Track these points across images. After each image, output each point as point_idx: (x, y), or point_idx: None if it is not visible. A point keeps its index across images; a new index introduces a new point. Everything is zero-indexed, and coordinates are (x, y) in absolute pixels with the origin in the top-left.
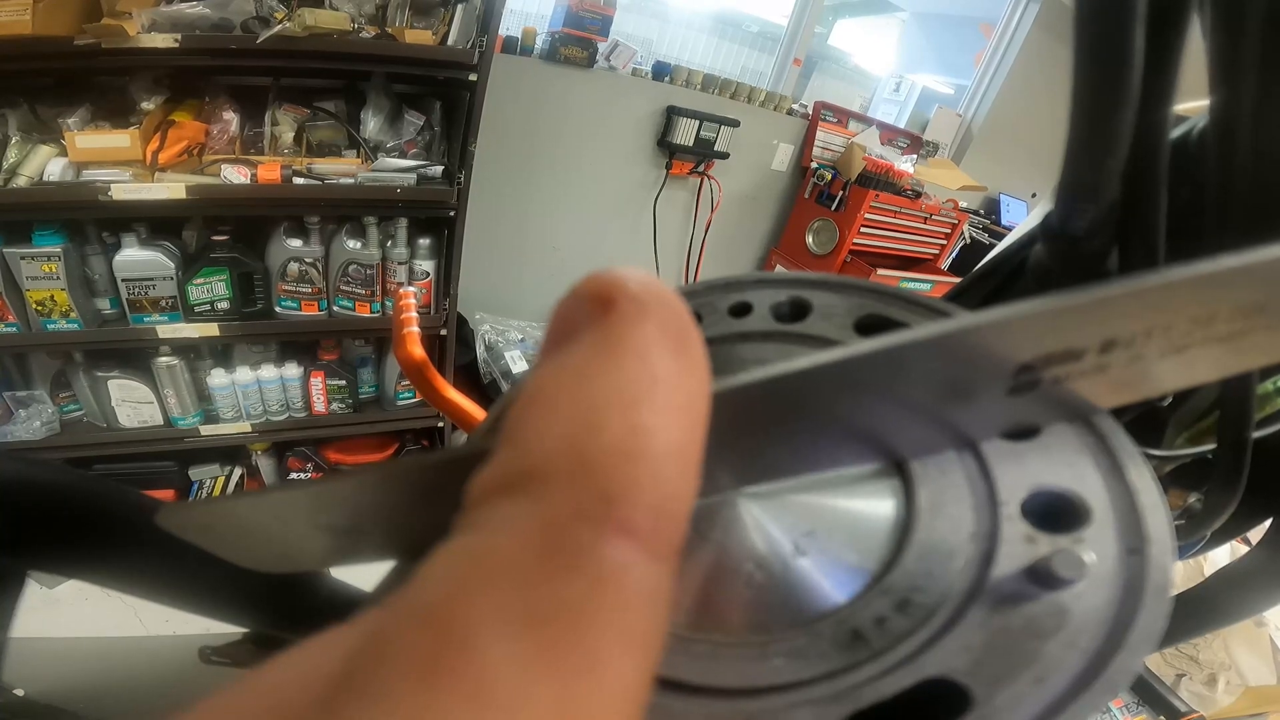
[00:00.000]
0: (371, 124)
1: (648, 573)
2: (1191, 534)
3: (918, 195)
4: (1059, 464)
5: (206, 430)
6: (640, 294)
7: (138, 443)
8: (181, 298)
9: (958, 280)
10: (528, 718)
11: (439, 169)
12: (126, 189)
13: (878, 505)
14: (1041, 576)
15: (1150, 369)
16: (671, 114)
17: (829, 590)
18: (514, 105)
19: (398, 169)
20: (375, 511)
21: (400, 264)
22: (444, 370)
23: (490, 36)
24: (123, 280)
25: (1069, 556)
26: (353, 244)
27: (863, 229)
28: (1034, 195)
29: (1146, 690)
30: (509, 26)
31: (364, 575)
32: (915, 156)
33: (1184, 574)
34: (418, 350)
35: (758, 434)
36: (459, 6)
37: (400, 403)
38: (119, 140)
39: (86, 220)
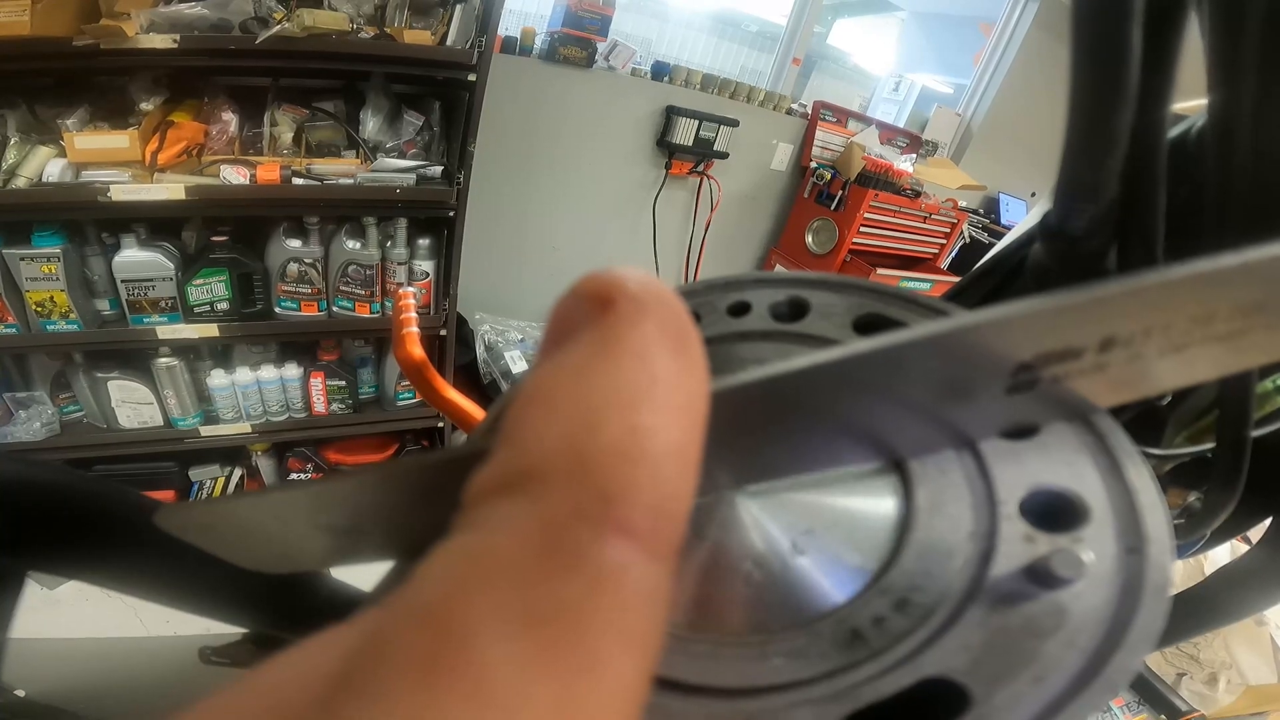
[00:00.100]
0: (371, 124)
1: (646, 572)
2: (1191, 533)
3: (917, 195)
4: (1058, 463)
5: (206, 431)
6: (639, 293)
7: (138, 444)
8: (181, 298)
9: (957, 279)
10: (527, 717)
11: (438, 169)
12: (126, 190)
13: (876, 504)
14: (1040, 576)
15: (1149, 368)
16: (671, 114)
17: (828, 589)
18: (513, 105)
19: (397, 169)
20: (375, 511)
21: (400, 264)
22: (444, 370)
23: (489, 36)
24: (122, 281)
25: (1068, 556)
26: (352, 244)
27: (862, 228)
28: (1033, 194)
29: (1147, 689)
30: (508, 26)
31: (364, 575)
32: (914, 156)
33: (1184, 573)
34: (417, 350)
35: (756, 433)
36: (458, 6)
37: (400, 403)
38: (118, 141)
39: (86, 221)
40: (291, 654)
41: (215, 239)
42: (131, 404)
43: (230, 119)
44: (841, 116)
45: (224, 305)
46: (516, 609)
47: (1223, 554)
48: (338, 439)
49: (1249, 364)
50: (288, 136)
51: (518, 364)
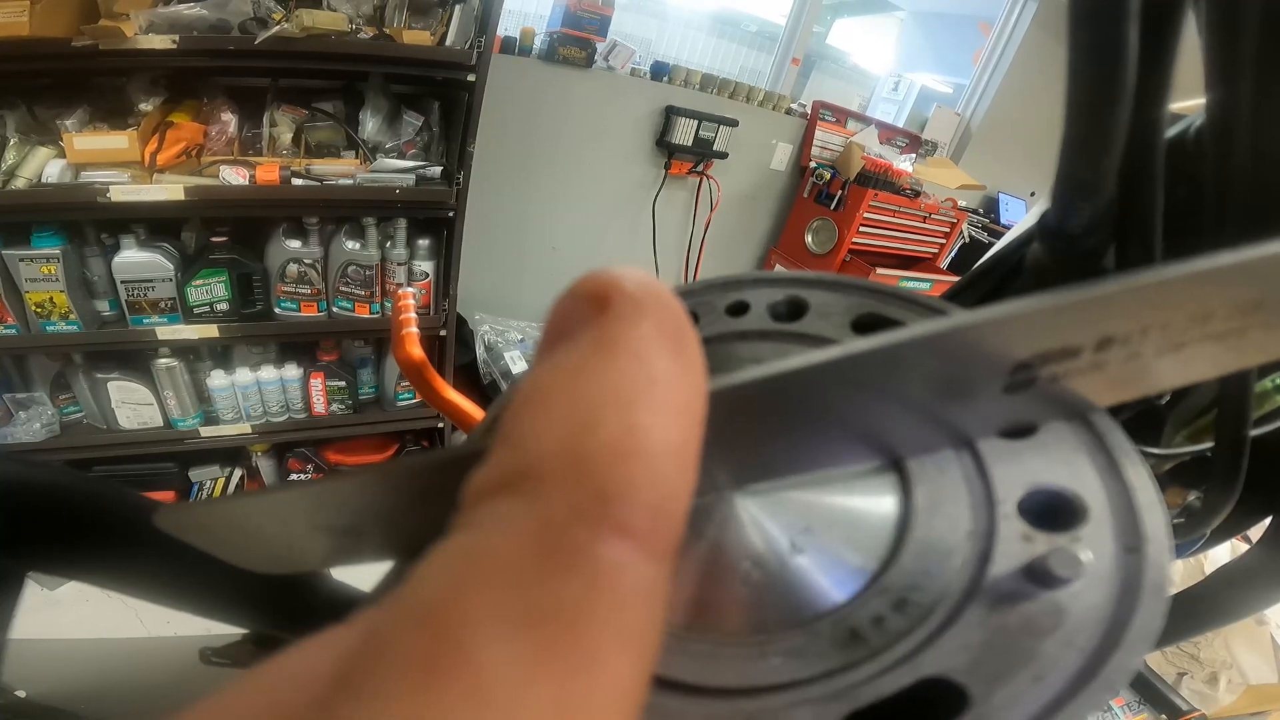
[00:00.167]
0: (370, 125)
1: (644, 572)
2: (1190, 532)
3: (916, 194)
4: (1056, 462)
5: (206, 431)
6: (637, 293)
7: (138, 444)
8: (181, 299)
9: (956, 279)
10: (525, 717)
11: (438, 169)
12: (125, 190)
13: (875, 503)
14: (1039, 575)
15: (1147, 367)
16: (670, 114)
17: (827, 588)
18: (512, 106)
19: (396, 170)
20: (374, 512)
21: (399, 265)
22: (443, 371)
23: (488, 37)
24: (122, 282)
25: (1066, 555)
26: (352, 245)
27: (862, 228)
28: (1033, 194)
29: (1148, 689)
30: (507, 27)
31: (364, 575)
32: (914, 155)
33: (1184, 572)
34: (417, 351)
35: (755, 433)
36: (457, 7)
37: (400, 403)
38: (117, 141)
39: (85, 222)
40: (290, 654)
41: (215, 239)
42: (131, 405)
43: (229, 119)
44: (841, 116)
45: (224, 306)
46: (515, 609)
47: (1223, 553)
48: (338, 439)
49: (1247, 363)
50: (287, 137)
51: (517, 364)
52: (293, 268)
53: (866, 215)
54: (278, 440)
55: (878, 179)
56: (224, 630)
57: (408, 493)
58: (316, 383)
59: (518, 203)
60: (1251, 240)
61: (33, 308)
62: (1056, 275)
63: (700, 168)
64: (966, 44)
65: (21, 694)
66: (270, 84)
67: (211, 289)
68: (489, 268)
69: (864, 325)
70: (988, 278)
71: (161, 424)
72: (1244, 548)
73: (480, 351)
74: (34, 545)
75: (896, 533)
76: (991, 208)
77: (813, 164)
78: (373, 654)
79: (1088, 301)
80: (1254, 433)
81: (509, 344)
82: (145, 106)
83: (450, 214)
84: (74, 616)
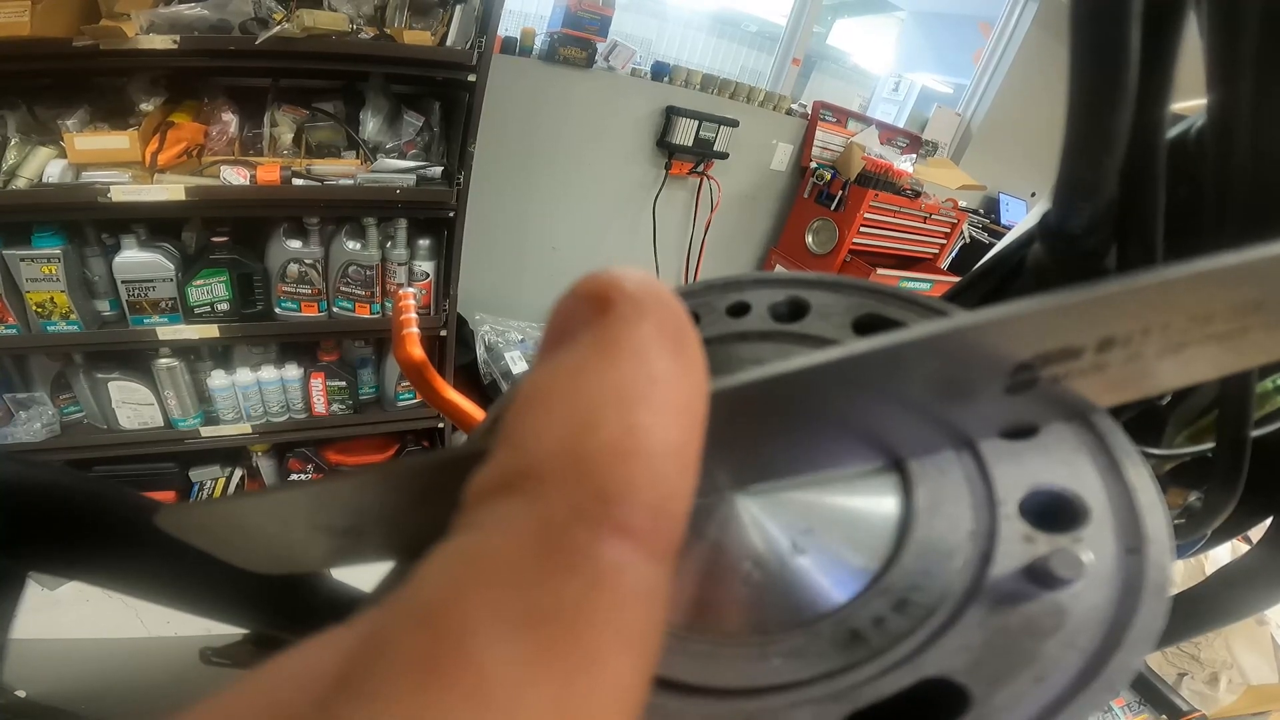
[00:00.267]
0: (370, 125)
1: (645, 572)
2: (1191, 533)
3: (917, 195)
4: (1057, 463)
5: (207, 431)
6: (638, 294)
7: (138, 444)
8: (181, 299)
9: (957, 279)
10: (525, 717)
11: (438, 170)
12: (126, 190)
13: (876, 504)
14: (1040, 576)
15: (1148, 367)
16: (670, 114)
17: (827, 589)
18: (513, 106)
19: (397, 170)
20: (375, 512)
21: (400, 265)
22: (444, 371)
23: (489, 37)
24: (122, 282)
25: (1067, 556)
26: (352, 245)
27: (862, 228)
28: (1033, 194)
29: (1148, 689)
30: (508, 27)
31: (364, 575)
32: (914, 156)
33: (1184, 573)
34: (417, 351)
35: (756, 434)
36: (457, 7)
37: (400, 403)
38: (118, 141)
39: (86, 222)
40: (291, 655)
41: (215, 240)
42: (132, 405)
43: (230, 119)
44: (841, 116)
45: (224, 306)
46: (515, 609)
47: (1223, 554)
48: (338, 439)
49: (1248, 364)
50: (288, 137)
51: (518, 364)
52: (293, 268)
53: (867, 216)
54: (278, 440)
55: (878, 179)
56: (224, 630)
57: (408, 493)
58: (317, 383)
59: (518, 203)
60: (1252, 240)
61: (33, 308)
62: (1057, 276)
63: (701, 168)
64: (967, 44)
65: (21, 694)
66: (271, 84)
67: (212, 289)
68: (489, 268)
69: (865, 326)
70: (988, 278)
71: (162, 424)
72: (1244, 548)
73: (480, 351)
74: (34, 545)
75: (897, 533)
76: (992, 208)
77: (813, 164)
78: (373, 654)
79: (1089, 302)
80: (1255, 433)
81: (509, 344)
82: (146, 106)
83: (451, 214)
84: (74, 616)
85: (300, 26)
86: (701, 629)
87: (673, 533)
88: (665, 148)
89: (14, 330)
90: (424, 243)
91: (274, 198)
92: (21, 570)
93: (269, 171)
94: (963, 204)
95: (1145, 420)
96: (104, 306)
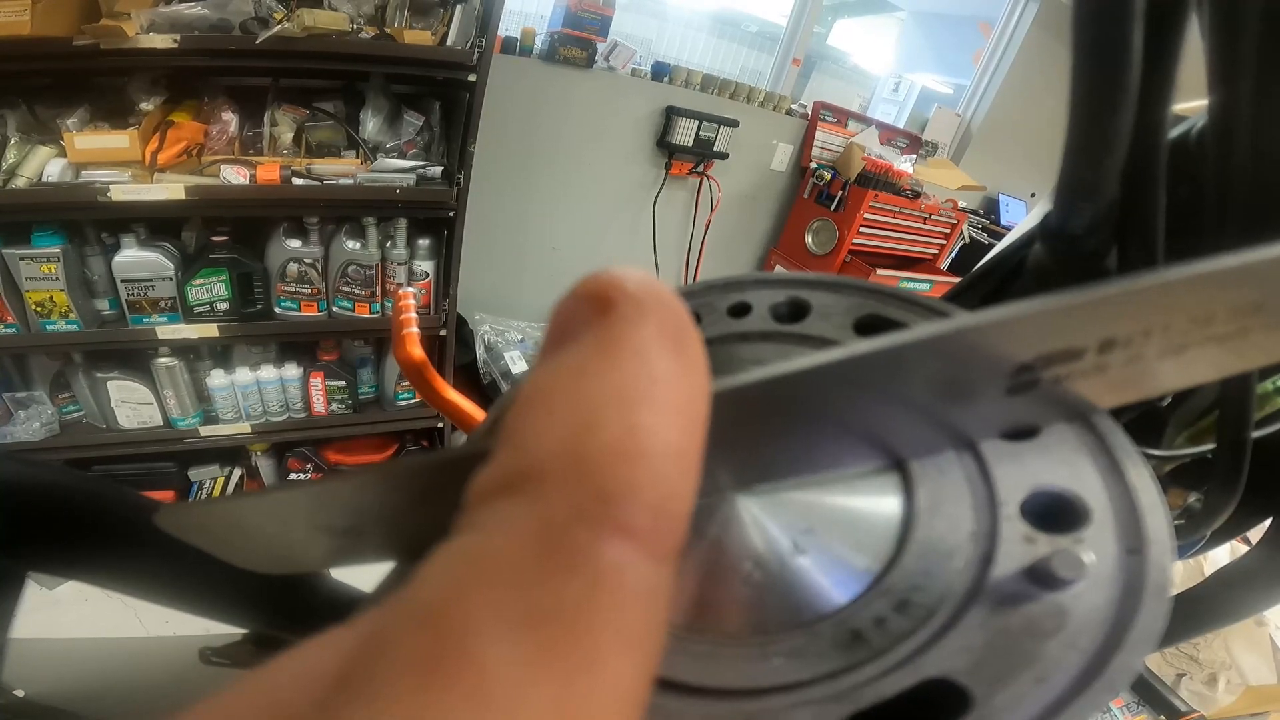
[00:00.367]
0: (370, 124)
1: (646, 572)
2: (1191, 534)
3: (917, 195)
4: (1058, 464)
5: (206, 431)
6: (639, 294)
7: (137, 444)
8: (181, 298)
9: (957, 280)
10: (526, 718)
11: (438, 169)
12: (125, 190)
13: (877, 504)
14: (1041, 577)
15: (1149, 369)
16: (671, 114)
17: (828, 589)
18: (513, 106)
19: (397, 169)
20: (375, 512)
21: (399, 264)
22: (443, 371)
23: (489, 37)
24: (122, 281)
25: (1068, 557)
26: (352, 244)
27: (862, 229)
28: (1033, 195)
29: (1147, 690)
30: (508, 27)
31: (364, 576)
32: (914, 156)
33: (1184, 574)
34: (417, 351)
35: (757, 434)
36: (458, 7)
37: (400, 403)
38: (118, 141)
39: (85, 221)
40: (291, 655)
41: (215, 239)
42: (131, 404)
43: (230, 119)
44: (841, 117)
45: (224, 305)
46: (516, 609)
47: (1223, 555)
48: (337, 439)
49: (1249, 365)
50: (288, 136)
51: (517, 364)
52: (293, 267)
53: (867, 216)
54: (277, 440)
55: (878, 180)
56: (224, 630)
57: (408, 493)
58: (316, 382)
59: (518, 203)
60: (1252, 242)
61: (33, 307)
62: (1058, 277)
63: (701, 168)
64: (967, 44)
65: (20, 693)
66: (271, 84)
67: (212, 288)
68: (489, 268)
69: (866, 327)
70: (988, 279)
71: (161, 423)
72: (1244, 549)
73: (480, 351)
74: (34, 545)
75: (899, 534)
76: (992, 209)
77: (813, 164)
78: (374, 654)
79: (1090, 303)
80: (1255, 435)
81: (509, 344)
82: (146, 106)
83: (450, 214)
84: (74, 616)
85: (300, 26)
86: (702, 629)
87: (674, 533)
88: (665, 148)
89: (13, 329)
90: (424, 242)
91: (274, 197)
92: (21, 570)
93: (269, 171)
94: (962, 204)
95: (1146, 421)
96: (103, 306)
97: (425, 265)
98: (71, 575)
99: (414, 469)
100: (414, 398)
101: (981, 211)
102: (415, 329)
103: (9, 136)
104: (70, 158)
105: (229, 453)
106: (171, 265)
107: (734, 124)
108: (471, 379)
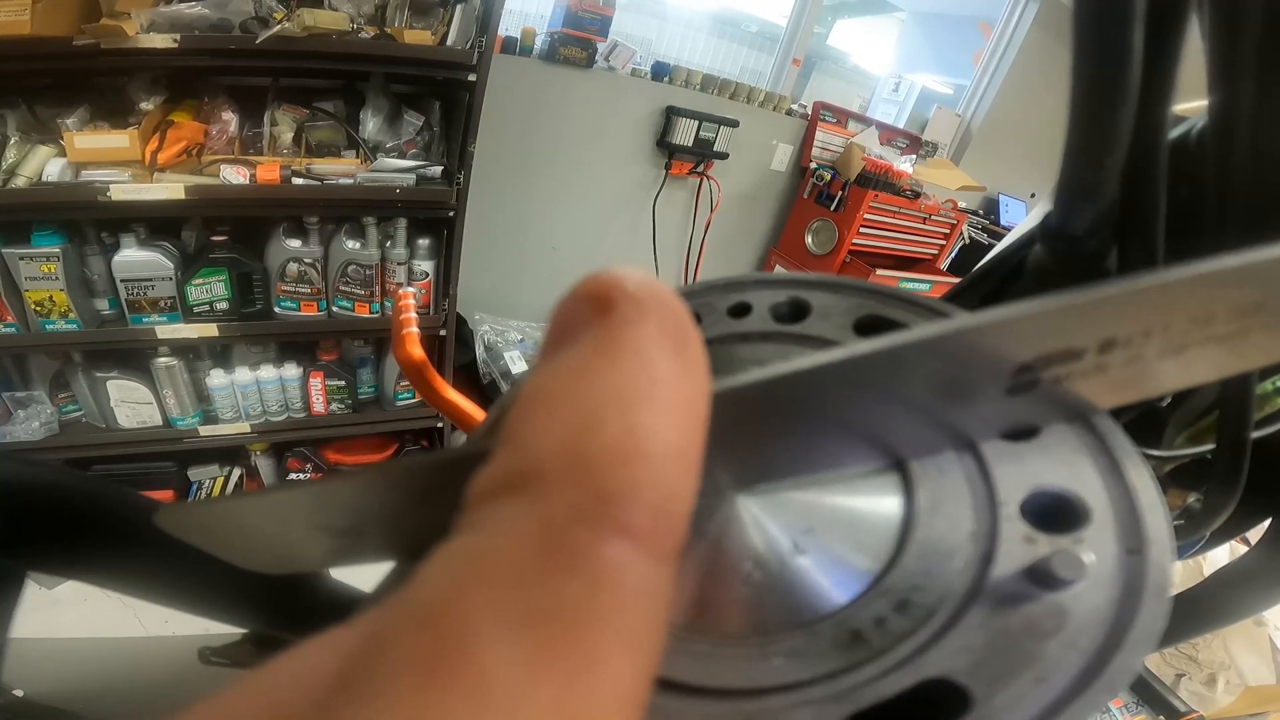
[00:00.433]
0: (370, 124)
1: (646, 573)
2: (1191, 534)
3: (917, 195)
4: (1058, 464)
5: (205, 431)
6: (639, 294)
7: (137, 443)
8: (180, 298)
9: (957, 280)
10: (526, 718)
11: (438, 169)
12: (125, 189)
13: (877, 504)
14: (1041, 577)
15: (1149, 369)
16: (671, 114)
17: (828, 589)
18: (513, 106)
19: (397, 169)
20: (375, 512)
21: (399, 264)
22: (443, 371)
23: (489, 37)
24: (121, 281)
25: (1068, 557)
26: (352, 244)
27: (862, 229)
28: (1033, 195)
29: (1146, 690)
30: (508, 27)
31: (364, 575)
32: (914, 156)
33: (1183, 574)
34: (417, 351)
35: (757, 434)
36: (458, 7)
37: (399, 403)
38: (118, 140)
39: (85, 221)
40: (291, 655)
41: (215, 239)
42: (130, 404)
43: (230, 119)
44: (841, 117)
45: (223, 305)
46: (516, 609)
47: (1222, 555)
48: (337, 439)
49: (1249, 365)
50: (288, 136)
51: (517, 364)
52: (293, 267)
53: (867, 216)
54: (277, 440)
55: (878, 180)
56: (224, 630)
57: (408, 493)
58: (316, 382)
59: (518, 203)
60: (1253, 242)
61: (32, 306)
62: (1059, 277)
63: (701, 168)
64: (967, 45)
65: (20, 693)
66: (271, 83)
67: (211, 288)
68: (489, 268)
69: (866, 327)
70: (988, 279)
71: (160, 423)
72: (1243, 549)
73: (480, 351)
74: (34, 545)
75: (899, 534)
76: (992, 209)
77: (813, 165)
78: (374, 654)
79: (1090, 303)
80: (1255, 435)
81: (509, 344)
82: (146, 105)
83: (450, 214)
84: (73, 616)
85: (301, 26)
86: (702, 629)
87: (674, 533)
88: (665, 148)
89: (13, 329)
90: (424, 242)
91: (274, 197)
92: (21, 570)
93: (269, 171)
94: (962, 205)
95: (1146, 421)
96: (103, 305)
97: (425, 265)
98: (71, 575)
99: (414, 469)
100: (414, 398)
101: (981, 212)
102: (415, 329)
103: (9, 136)
104: (70, 157)
105: (229, 452)
106: (171, 265)
107: (734, 124)
108: (471, 379)
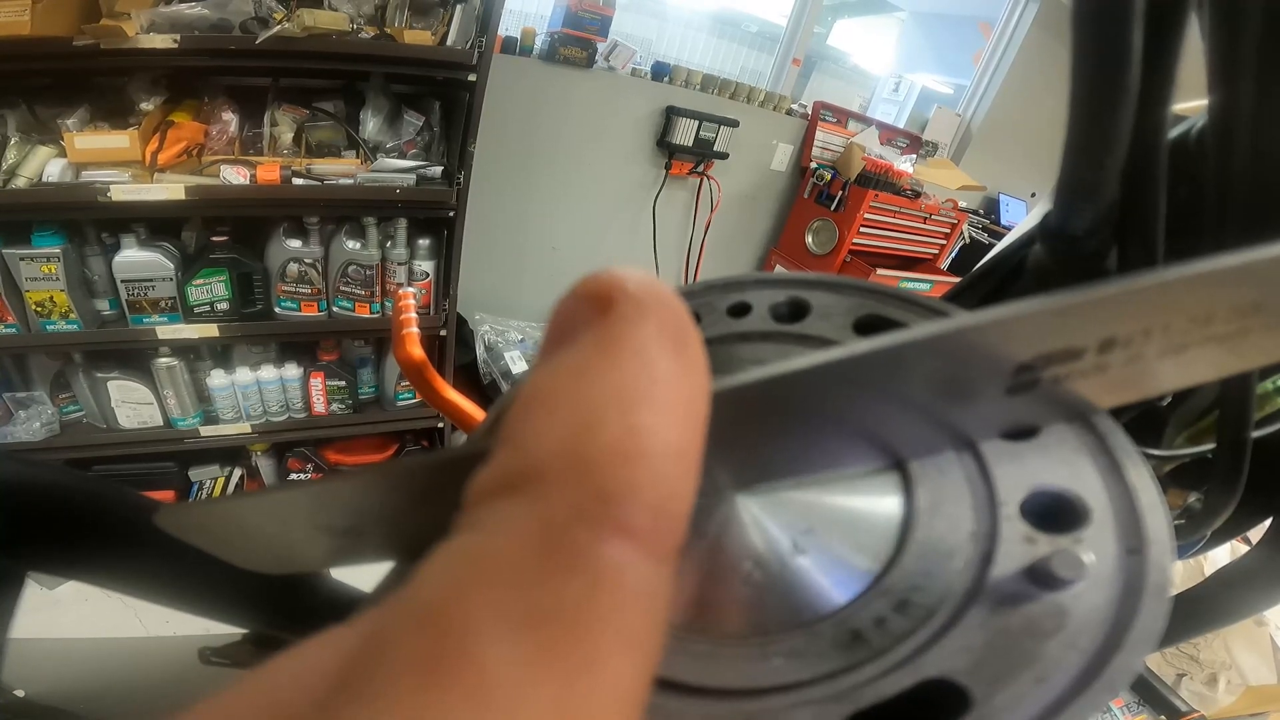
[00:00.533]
0: (371, 124)
1: (646, 572)
2: (1191, 534)
3: (917, 195)
4: (1058, 464)
5: (206, 431)
6: (639, 294)
7: (137, 444)
8: (181, 298)
9: (957, 280)
10: (526, 718)
11: (438, 169)
12: (125, 190)
13: (877, 504)
14: (1041, 577)
15: (1149, 368)
16: (671, 114)
17: (828, 589)
18: (513, 106)
19: (397, 169)
20: (375, 512)
21: (400, 264)
22: (443, 371)
23: (489, 37)
24: (122, 281)
25: (1068, 557)
26: (352, 244)
27: (862, 229)
28: (1033, 195)
29: (1147, 690)
30: (508, 27)
31: (364, 575)
32: (914, 156)
33: (1184, 573)
34: (417, 351)
35: (757, 434)
36: (458, 7)
37: (400, 403)
38: (118, 141)
39: (85, 221)
40: (291, 655)
41: (215, 239)
42: (131, 404)
43: (230, 119)
44: (841, 117)
45: (224, 305)
46: (516, 609)
47: (1222, 554)
48: (338, 439)
49: (1249, 365)
50: (288, 136)
51: (517, 364)
52: (293, 267)
53: (867, 216)
54: (277, 440)
55: (878, 180)
56: (224, 630)
57: (409, 493)
58: (316, 382)
59: (518, 203)
60: (1252, 241)
61: (33, 307)
62: (1058, 277)
63: (701, 168)
64: (967, 45)
65: (21, 694)
66: (271, 83)
67: (212, 288)
68: (489, 268)
69: (866, 326)
70: (988, 279)
71: (161, 423)
72: (1244, 549)
73: (480, 351)
74: (34, 545)
75: (899, 534)
76: (992, 208)
77: (813, 164)
78: (374, 654)
79: (1090, 303)
80: (1255, 434)
81: (509, 344)
82: (146, 106)
83: (450, 214)
84: (74, 616)
85: (300, 26)
86: (702, 629)
87: (674, 533)
88: (665, 148)
89: (13, 329)
90: (424, 242)
91: (274, 197)
92: (21, 570)
93: (269, 171)
94: (963, 204)
95: (1146, 421)
96: (103, 306)
97: (425, 265)
98: (71, 575)
99: (414, 469)
100: (414, 398)
101: (981, 211)
102: (415, 329)
103: (9, 136)
104: (70, 158)
105: (229, 453)
106: (171, 265)
107: (734, 124)
108: (471, 379)
